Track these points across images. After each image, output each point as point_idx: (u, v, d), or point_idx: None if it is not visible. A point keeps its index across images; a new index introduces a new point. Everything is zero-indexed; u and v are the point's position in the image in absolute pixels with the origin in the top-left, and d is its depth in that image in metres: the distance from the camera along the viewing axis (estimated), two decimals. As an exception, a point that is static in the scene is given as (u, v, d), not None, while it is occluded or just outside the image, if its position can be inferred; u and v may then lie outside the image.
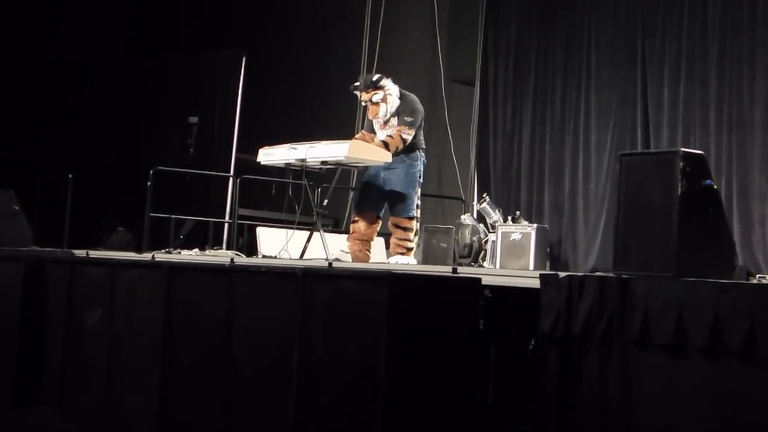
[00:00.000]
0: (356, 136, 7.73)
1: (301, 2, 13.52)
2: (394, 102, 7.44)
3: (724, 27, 9.42)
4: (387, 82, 7.50)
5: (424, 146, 7.62)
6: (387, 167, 7.44)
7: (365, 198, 7.66)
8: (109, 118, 14.22)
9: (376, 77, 7.53)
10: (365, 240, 7.60)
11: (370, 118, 7.59)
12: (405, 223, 7.51)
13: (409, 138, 7.40)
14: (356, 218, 7.65)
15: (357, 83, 7.62)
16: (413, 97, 7.59)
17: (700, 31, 9.61)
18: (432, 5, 11.83)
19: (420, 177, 7.59)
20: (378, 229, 7.70)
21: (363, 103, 7.65)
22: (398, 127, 7.40)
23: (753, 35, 9.20)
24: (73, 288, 6.65)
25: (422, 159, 7.60)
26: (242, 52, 12.66)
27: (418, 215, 7.72)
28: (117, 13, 14.70)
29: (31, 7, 14.10)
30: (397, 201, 7.51)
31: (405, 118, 7.42)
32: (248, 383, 5.25)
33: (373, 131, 7.60)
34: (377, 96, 7.44)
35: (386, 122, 7.49)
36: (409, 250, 7.55)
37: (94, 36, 14.37)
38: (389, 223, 7.62)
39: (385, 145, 7.32)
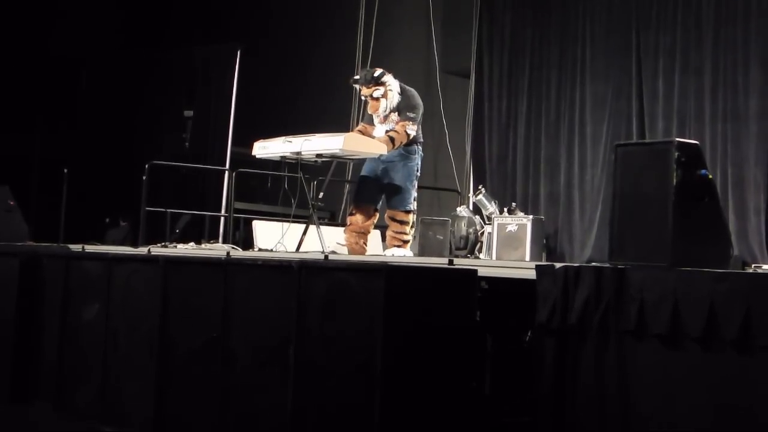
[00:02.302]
0: (357, 128, 7.73)
1: (295, -5, 13.52)
2: (394, 98, 7.45)
3: (719, 17, 9.43)
4: (388, 78, 7.49)
5: (421, 140, 7.63)
6: (385, 160, 7.44)
7: (363, 191, 7.65)
8: (105, 112, 14.21)
9: (377, 73, 7.50)
10: (362, 232, 7.60)
11: (369, 112, 7.58)
12: (401, 216, 7.50)
13: (413, 133, 7.43)
14: (353, 211, 7.65)
15: (357, 77, 7.61)
16: (414, 92, 7.59)
17: (695, 21, 9.62)
18: (427, -3, 11.84)
19: (417, 171, 7.59)
20: (375, 221, 7.69)
21: (363, 97, 7.63)
22: (402, 122, 7.39)
23: (747, 26, 9.21)
24: (69, 283, 6.64)
25: (419, 153, 7.60)
26: (237, 46, 12.66)
27: (415, 208, 7.72)
28: (112, 8, 14.68)
29: (27, 1, 14.07)
30: (394, 194, 7.51)
31: (408, 113, 7.42)
32: (245, 376, 5.25)
33: (373, 124, 7.60)
34: (378, 92, 7.43)
35: (386, 117, 7.49)
36: (405, 242, 7.56)
37: (90, 30, 14.35)
38: (386, 216, 7.62)
39: (391, 140, 7.32)
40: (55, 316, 6.71)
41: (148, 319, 5.92)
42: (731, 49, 9.30)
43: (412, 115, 7.42)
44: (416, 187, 7.66)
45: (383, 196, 7.62)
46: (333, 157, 7.44)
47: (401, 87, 7.54)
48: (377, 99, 7.44)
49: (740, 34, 9.23)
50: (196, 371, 5.58)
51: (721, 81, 9.35)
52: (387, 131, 7.43)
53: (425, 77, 11.88)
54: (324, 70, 12.23)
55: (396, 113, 7.46)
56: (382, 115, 7.49)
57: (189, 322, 5.70)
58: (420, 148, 7.61)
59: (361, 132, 7.60)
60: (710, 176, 4.62)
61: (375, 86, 7.44)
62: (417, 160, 7.57)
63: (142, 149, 12.82)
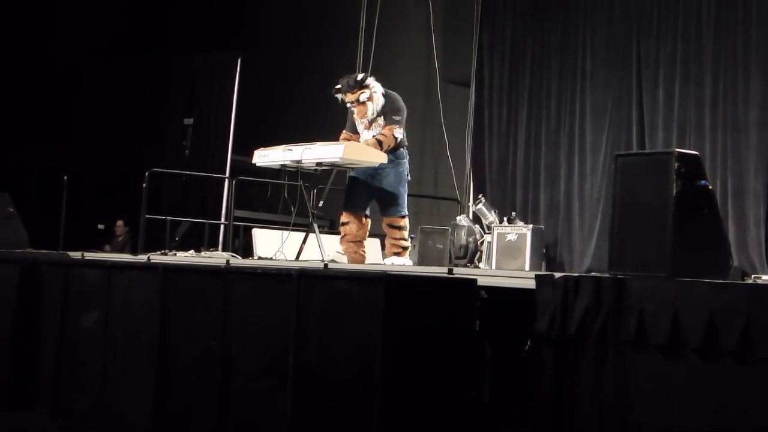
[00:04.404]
0: (342, 137, 7.68)
1: (296, 4, 13.54)
2: (379, 100, 7.42)
3: (719, 28, 9.43)
4: (371, 81, 7.47)
5: (407, 143, 7.59)
6: (373, 167, 7.41)
7: (353, 197, 7.60)
8: (105, 119, 14.22)
9: (360, 76, 7.48)
10: (358, 241, 7.58)
11: (357, 118, 7.54)
12: (399, 222, 7.50)
13: (401, 136, 7.41)
14: (346, 220, 7.58)
15: (338, 86, 7.55)
16: (396, 95, 7.56)
17: (695, 31, 9.62)
18: (427, 6, 11.85)
19: (407, 174, 7.57)
20: (368, 228, 7.66)
21: (348, 105, 7.57)
22: (389, 126, 7.38)
23: (747, 36, 9.21)
24: (68, 290, 6.64)
25: (407, 156, 7.58)
26: (238, 54, 12.68)
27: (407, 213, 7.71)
28: (113, 15, 14.70)
29: (27, 8, 14.10)
30: (388, 201, 7.49)
31: (393, 117, 7.40)
32: (244, 384, 5.25)
33: (356, 131, 7.55)
34: (364, 95, 7.40)
35: (371, 123, 7.46)
36: (405, 249, 7.55)
37: (90, 37, 14.37)
38: (383, 224, 7.60)
39: (379, 143, 7.31)
40: (54, 323, 6.70)
41: (148, 326, 5.91)
42: (731, 60, 9.30)
43: (397, 118, 7.40)
44: (407, 190, 7.65)
45: (374, 202, 7.60)
46: (333, 165, 7.44)
47: (385, 90, 7.51)
48: (363, 103, 7.40)
49: (741, 44, 9.24)
50: (196, 379, 5.58)
51: (721, 91, 9.35)
52: (374, 137, 7.41)
53: (426, 86, 11.89)
54: (325, 79, 12.19)
55: (382, 117, 7.43)
56: (368, 120, 7.45)
57: (188, 329, 5.70)
58: (406, 151, 7.58)
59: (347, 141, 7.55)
60: (710, 187, 4.62)
61: (360, 90, 7.41)
62: (406, 164, 7.54)
63: (143, 157, 12.83)
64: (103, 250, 12.04)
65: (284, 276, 5.10)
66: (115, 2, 14.78)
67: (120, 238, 13.20)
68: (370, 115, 7.42)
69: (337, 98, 7.56)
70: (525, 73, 11.16)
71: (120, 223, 13.23)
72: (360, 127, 7.51)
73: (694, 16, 9.64)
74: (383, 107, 7.41)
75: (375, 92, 7.41)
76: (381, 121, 7.43)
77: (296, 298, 4.93)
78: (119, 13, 14.86)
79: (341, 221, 7.65)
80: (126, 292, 6.19)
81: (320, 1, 13.39)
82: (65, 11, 14.36)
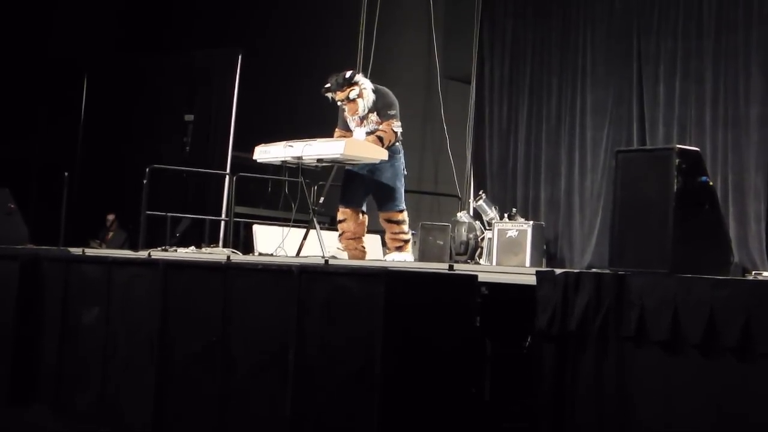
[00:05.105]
0: (335, 135, 7.66)
1: (297, 0, 13.53)
2: (369, 96, 7.42)
3: (720, 25, 9.43)
4: (360, 78, 7.47)
5: (401, 138, 7.60)
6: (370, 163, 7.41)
7: (350, 193, 7.58)
8: (106, 115, 14.21)
9: (349, 74, 7.47)
10: (357, 237, 7.59)
11: (348, 115, 7.53)
12: (397, 216, 7.50)
13: (399, 130, 7.41)
14: (342, 217, 7.57)
15: (328, 85, 7.54)
16: (387, 90, 7.55)
17: (696, 28, 9.62)
18: (428, 4, 11.84)
19: (404, 169, 7.57)
20: (366, 224, 7.65)
21: (339, 103, 7.56)
22: (387, 122, 7.38)
23: (748, 33, 9.21)
24: (68, 286, 6.64)
25: (402, 151, 7.58)
26: (238, 50, 12.66)
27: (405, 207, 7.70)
28: (113, 11, 14.69)
29: (26, 4, 14.09)
30: (386, 196, 7.49)
31: (388, 112, 7.40)
32: (245, 381, 5.25)
33: (348, 129, 7.55)
34: (354, 92, 7.39)
35: (363, 119, 7.45)
36: (406, 242, 7.55)
37: (90, 33, 14.36)
38: (381, 219, 7.59)
39: (379, 139, 7.31)
40: (54, 319, 6.70)
41: (148, 322, 5.91)
42: (732, 57, 9.30)
43: (392, 112, 7.41)
44: (404, 184, 7.65)
45: (370, 197, 7.60)
46: (334, 161, 7.44)
47: (374, 86, 7.51)
48: (353, 100, 7.40)
49: (741, 41, 9.23)
50: (196, 375, 5.58)
51: (721, 88, 9.35)
52: (368, 133, 7.40)
53: (426, 82, 11.89)
54: (325, 75, 12.23)
55: (374, 113, 7.43)
56: (360, 117, 7.44)
57: (189, 326, 5.70)
58: (401, 146, 7.58)
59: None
60: (711, 183, 4.62)
61: (349, 87, 7.40)
62: (401, 158, 7.55)
63: (143, 153, 12.82)
64: (98, 246, 12.03)
65: (285, 272, 5.10)
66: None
67: (111, 234, 13.18)
68: (361, 111, 7.42)
69: (327, 97, 7.55)
70: (525, 70, 11.16)
71: (110, 217, 13.22)
72: (352, 124, 7.50)
73: (695, 13, 9.65)
74: (375, 103, 7.41)
75: (364, 89, 7.41)
76: (373, 117, 7.42)
77: (297, 294, 4.93)
78: (120, 10, 14.85)
79: (338, 218, 7.64)
80: (126, 288, 6.18)
81: (321, -3, 13.40)
82: (65, 8, 14.36)
